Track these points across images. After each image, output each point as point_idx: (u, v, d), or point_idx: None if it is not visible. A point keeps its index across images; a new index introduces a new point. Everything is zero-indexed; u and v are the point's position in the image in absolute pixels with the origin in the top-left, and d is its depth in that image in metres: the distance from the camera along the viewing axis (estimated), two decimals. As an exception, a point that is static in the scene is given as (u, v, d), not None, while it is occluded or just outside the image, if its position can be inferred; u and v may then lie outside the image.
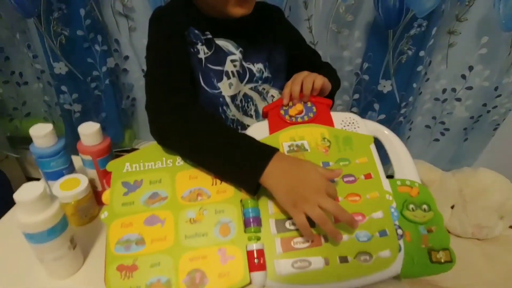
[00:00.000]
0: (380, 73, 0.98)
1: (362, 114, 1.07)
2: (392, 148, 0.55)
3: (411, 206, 0.49)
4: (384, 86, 0.99)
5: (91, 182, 0.56)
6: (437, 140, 1.19)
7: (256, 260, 0.44)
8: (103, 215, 0.47)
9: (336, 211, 0.43)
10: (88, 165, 0.55)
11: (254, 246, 0.45)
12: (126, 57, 1.11)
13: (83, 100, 1.09)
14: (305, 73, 0.59)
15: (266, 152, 0.47)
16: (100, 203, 0.55)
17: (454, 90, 1.07)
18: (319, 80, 0.58)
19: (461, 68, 1.02)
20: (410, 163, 0.54)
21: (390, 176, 0.52)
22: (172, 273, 0.43)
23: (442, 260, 0.46)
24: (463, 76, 1.04)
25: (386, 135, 0.56)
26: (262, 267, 0.44)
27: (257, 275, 0.43)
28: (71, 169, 0.56)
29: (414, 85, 1.00)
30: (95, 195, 0.55)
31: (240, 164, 0.46)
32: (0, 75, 1.07)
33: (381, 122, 1.07)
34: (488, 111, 1.09)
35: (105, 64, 1.06)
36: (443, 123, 1.15)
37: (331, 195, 0.45)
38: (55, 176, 0.53)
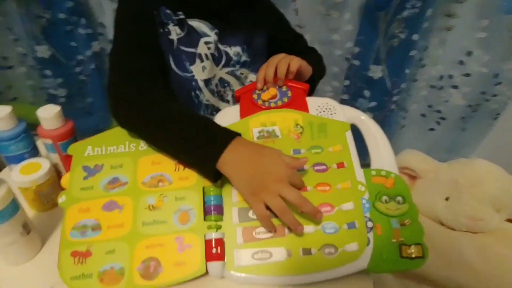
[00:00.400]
0: (371, 58, 0.93)
1: (352, 101, 1.04)
2: (370, 135, 0.52)
3: (384, 197, 0.46)
4: (375, 72, 0.95)
5: (55, 167, 0.54)
6: (432, 129, 1.15)
7: (214, 250, 0.42)
8: (61, 199, 0.46)
9: (297, 201, 0.41)
10: (50, 149, 0.53)
11: (213, 235, 0.43)
12: (112, 41, 1.08)
13: (68, 84, 1.07)
14: (281, 55, 0.56)
15: (224, 137, 0.44)
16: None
17: (451, 76, 1.02)
18: (295, 63, 0.55)
19: (458, 53, 0.98)
20: (388, 152, 0.51)
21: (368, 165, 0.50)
22: (127, 260, 0.41)
23: (413, 256, 0.43)
24: (461, 62, 0.99)
25: (363, 120, 0.52)
26: (219, 257, 0.42)
27: (214, 265, 0.41)
28: (33, 153, 0.54)
29: (407, 70, 0.96)
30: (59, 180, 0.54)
31: (197, 149, 0.44)
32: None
33: (372, 109, 1.05)
34: (487, 100, 1.04)
35: (90, 48, 1.04)
36: (439, 111, 1.10)
37: (295, 185, 0.42)
38: (16, 160, 0.52)
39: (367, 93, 1.01)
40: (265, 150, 0.44)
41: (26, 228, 0.44)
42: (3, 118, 0.49)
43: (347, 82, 1.04)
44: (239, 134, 0.45)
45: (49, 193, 0.52)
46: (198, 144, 0.44)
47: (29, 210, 0.52)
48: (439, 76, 1.04)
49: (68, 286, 0.40)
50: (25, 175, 0.49)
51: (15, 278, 0.43)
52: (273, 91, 0.54)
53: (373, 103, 1.02)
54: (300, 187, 0.44)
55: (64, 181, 0.47)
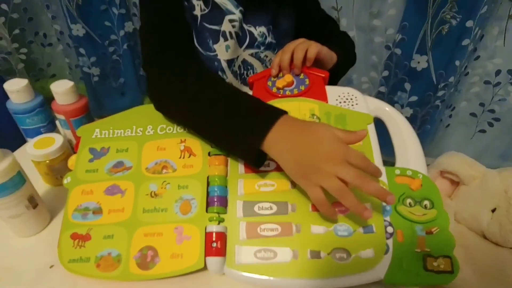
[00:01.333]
0: (415, 46, 0.83)
1: (390, 94, 0.95)
2: (395, 130, 0.46)
3: (408, 200, 0.41)
4: (419, 62, 0.85)
5: (70, 144, 0.54)
6: (483, 131, 1.02)
7: (214, 244, 0.39)
8: (66, 180, 0.45)
9: (358, 181, 0.35)
10: (64, 125, 0.53)
11: (214, 228, 0.40)
12: (145, 22, 1.08)
13: (101, 64, 1.09)
14: (299, 40, 0.52)
15: (270, 114, 0.39)
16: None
17: (510, 71, 0.89)
18: (313, 49, 0.50)
19: (521, 46, 0.84)
20: (416, 150, 0.45)
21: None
22: (124, 247, 0.40)
23: (440, 269, 0.37)
24: (524, 56, 0.86)
25: (388, 112, 0.46)
26: (219, 252, 0.39)
27: (213, 261, 0.39)
28: (51, 128, 0.54)
29: (457, 62, 0.84)
30: (73, 157, 0.54)
31: (240, 127, 0.40)
32: (25, 35, 1.10)
33: (412, 105, 0.95)
34: (553, 101, 0.90)
35: (123, 28, 1.04)
36: (492, 111, 0.98)
37: (353, 163, 0.36)
38: (32, 133, 0.52)
39: (407, 86, 0.91)
40: (314, 127, 0.39)
41: (32, 202, 0.44)
42: (19, 91, 0.49)
43: (386, 73, 0.95)
44: (286, 112, 0.40)
45: (61, 169, 0.52)
46: (241, 122, 0.40)
47: (43, 184, 0.53)
48: (496, 71, 0.91)
49: (65, 269, 0.40)
50: (38, 149, 0.49)
51: (19, 250, 0.44)
52: (288, 78, 0.50)
53: (414, 98, 0.92)
54: (360, 165, 0.37)
55: (71, 162, 0.47)
